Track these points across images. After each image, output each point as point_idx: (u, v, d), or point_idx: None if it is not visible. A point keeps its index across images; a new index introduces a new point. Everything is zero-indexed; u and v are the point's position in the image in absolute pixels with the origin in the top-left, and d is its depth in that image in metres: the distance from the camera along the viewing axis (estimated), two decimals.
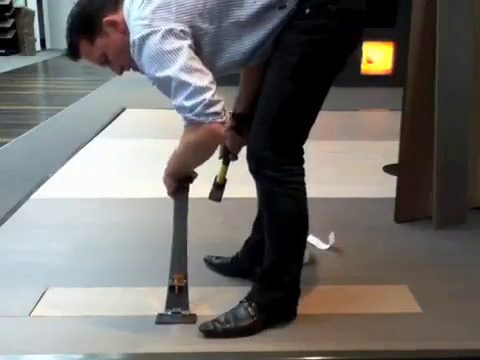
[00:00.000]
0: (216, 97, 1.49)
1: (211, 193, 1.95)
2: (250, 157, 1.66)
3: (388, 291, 2.01)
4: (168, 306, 1.83)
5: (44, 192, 3.05)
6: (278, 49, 1.57)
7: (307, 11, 1.51)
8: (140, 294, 1.96)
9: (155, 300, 1.87)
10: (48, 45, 12.89)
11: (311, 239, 2.30)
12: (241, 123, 1.84)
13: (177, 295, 1.83)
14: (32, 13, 11.56)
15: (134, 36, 1.52)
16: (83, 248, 2.32)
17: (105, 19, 1.61)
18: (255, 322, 1.72)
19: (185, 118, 1.51)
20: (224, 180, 1.94)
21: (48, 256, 2.24)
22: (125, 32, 1.59)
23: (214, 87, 1.49)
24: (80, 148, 3.93)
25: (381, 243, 2.40)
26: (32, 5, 11.98)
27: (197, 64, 1.50)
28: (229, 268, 2.11)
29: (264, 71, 1.67)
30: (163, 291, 1.89)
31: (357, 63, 6.64)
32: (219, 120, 1.49)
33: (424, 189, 2.58)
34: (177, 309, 1.82)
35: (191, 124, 1.51)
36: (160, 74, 1.50)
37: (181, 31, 1.49)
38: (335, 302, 1.92)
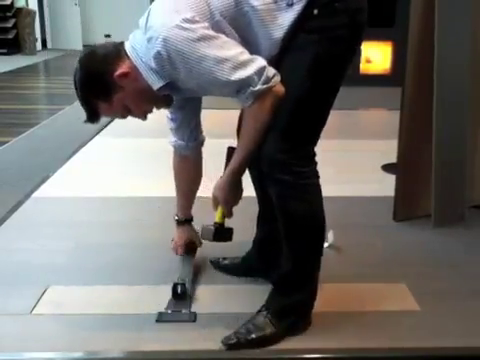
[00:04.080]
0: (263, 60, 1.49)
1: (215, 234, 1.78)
2: (262, 160, 1.59)
3: (386, 289, 2.02)
4: (169, 306, 1.85)
5: (45, 191, 3.06)
6: (290, 50, 1.55)
7: (315, 12, 1.51)
8: (140, 292, 1.97)
9: (155, 298, 1.88)
10: (49, 45, 12.87)
11: None
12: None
13: (180, 294, 1.86)
14: (33, 13, 11.56)
15: (153, 50, 1.46)
16: (83, 246, 2.34)
17: (116, 74, 1.56)
18: (277, 330, 1.69)
19: (252, 93, 1.48)
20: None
21: (49, 254, 2.26)
22: (138, 77, 1.56)
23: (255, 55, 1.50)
24: (81, 147, 3.95)
25: (379, 241, 2.41)
26: (33, 5, 11.98)
27: (227, 39, 1.49)
28: (239, 268, 2.09)
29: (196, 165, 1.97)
30: (163, 289, 1.90)
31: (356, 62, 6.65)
32: (278, 78, 1.50)
33: (422, 188, 2.59)
34: (178, 308, 1.84)
35: (259, 95, 1.48)
36: (205, 64, 1.45)
37: (194, 17, 1.45)
38: (333, 300, 1.93)
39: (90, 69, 1.59)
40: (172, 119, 1.92)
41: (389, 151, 2.86)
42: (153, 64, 1.51)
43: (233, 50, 1.48)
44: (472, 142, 2.64)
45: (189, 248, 2.09)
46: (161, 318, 1.80)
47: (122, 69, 1.57)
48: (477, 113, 2.62)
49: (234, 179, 1.64)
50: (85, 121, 1.66)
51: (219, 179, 1.68)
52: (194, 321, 1.79)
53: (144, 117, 1.68)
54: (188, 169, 2.00)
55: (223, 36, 1.49)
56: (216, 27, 1.49)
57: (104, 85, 1.57)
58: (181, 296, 1.87)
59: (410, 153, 2.57)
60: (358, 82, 6.41)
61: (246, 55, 1.48)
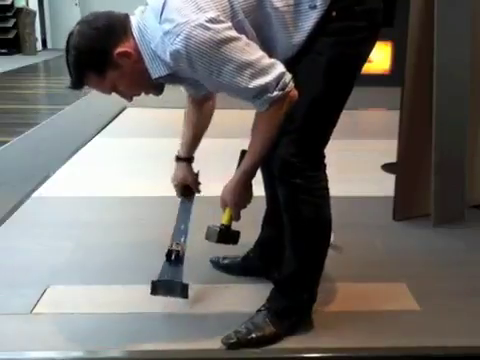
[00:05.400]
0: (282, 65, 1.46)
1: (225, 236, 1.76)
2: (275, 163, 1.57)
3: (386, 289, 2.02)
4: (162, 275, 1.85)
5: (45, 191, 3.06)
6: (307, 53, 1.54)
7: (333, 14, 1.49)
8: (140, 292, 1.96)
9: (155, 298, 1.88)
10: (49, 45, 12.90)
11: None
12: None
13: (173, 262, 1.85)
14: (33, 13, 11.57)
15: (172, 47, 1.39)
16: (84, 246, 2.34)
17: (117, 51, 1.46)
18: (277, 330, 1.69)
19: (268, 99, 1.45)
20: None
21: (49, 254, 2.26)
22: (139, 60, 1.49)
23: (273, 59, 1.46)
24: (81, 147, 3.95)
25: (379, 241, 2.41)
26: (33, 5, 11.99)
27: (249, 41, 1.45)
28: (239, 267, 2.08)
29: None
30: None
31: None
32: (293, 84, 1.47)
33: (422, 187, 2.59)
34: (170, 277, 1.85)
35: (275, 101, 1.45)
36: (226, 68, 1.40)
37: (218, 16, 1.39)
38: (333, 300, 1.93)
39: (92, 38, 1.47)
40: None
41: (389, 151, 2.86)
42: (168, 59, 1.44)
43: (255, 54, 1.44)
44: (472, 142, 2.64)
45: (185, 192, 1.96)
46: (154, 290, 1.84)
47: (125, 48, 1.47)
48: (477, 113, 2.62)
49: (245, 182, 1.62)
50: (68, 86, 1.56)
51: (229, 182, 1.68)
52: (186, 294, 1.82)
53: (130, 99, 1.61)
54: (194, 111, 1.89)
55: (245, 37, 1.45)
56: (237, 27, 1.44)
57: (101, 59, 1.47)
58: (174, 263, 1.85)
59: (410, 153, 2.57)
60: (358, 82, 6.40)
61: (267, 59, 1.45)
